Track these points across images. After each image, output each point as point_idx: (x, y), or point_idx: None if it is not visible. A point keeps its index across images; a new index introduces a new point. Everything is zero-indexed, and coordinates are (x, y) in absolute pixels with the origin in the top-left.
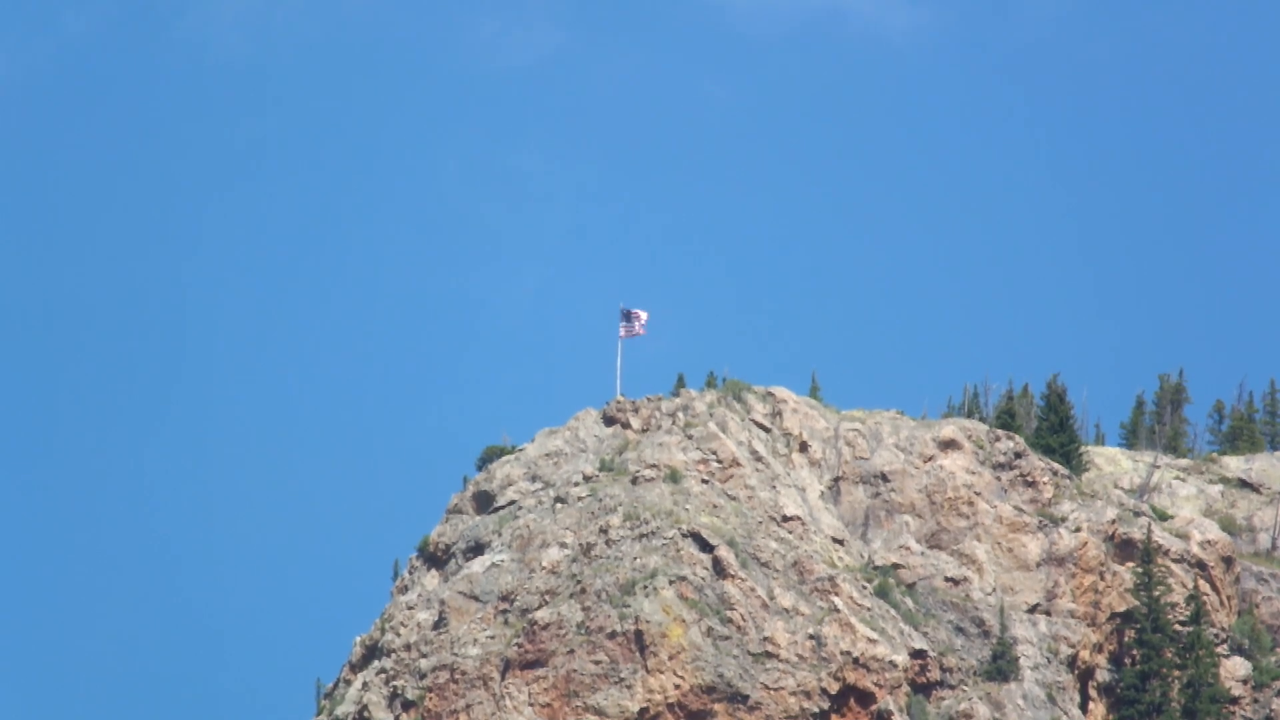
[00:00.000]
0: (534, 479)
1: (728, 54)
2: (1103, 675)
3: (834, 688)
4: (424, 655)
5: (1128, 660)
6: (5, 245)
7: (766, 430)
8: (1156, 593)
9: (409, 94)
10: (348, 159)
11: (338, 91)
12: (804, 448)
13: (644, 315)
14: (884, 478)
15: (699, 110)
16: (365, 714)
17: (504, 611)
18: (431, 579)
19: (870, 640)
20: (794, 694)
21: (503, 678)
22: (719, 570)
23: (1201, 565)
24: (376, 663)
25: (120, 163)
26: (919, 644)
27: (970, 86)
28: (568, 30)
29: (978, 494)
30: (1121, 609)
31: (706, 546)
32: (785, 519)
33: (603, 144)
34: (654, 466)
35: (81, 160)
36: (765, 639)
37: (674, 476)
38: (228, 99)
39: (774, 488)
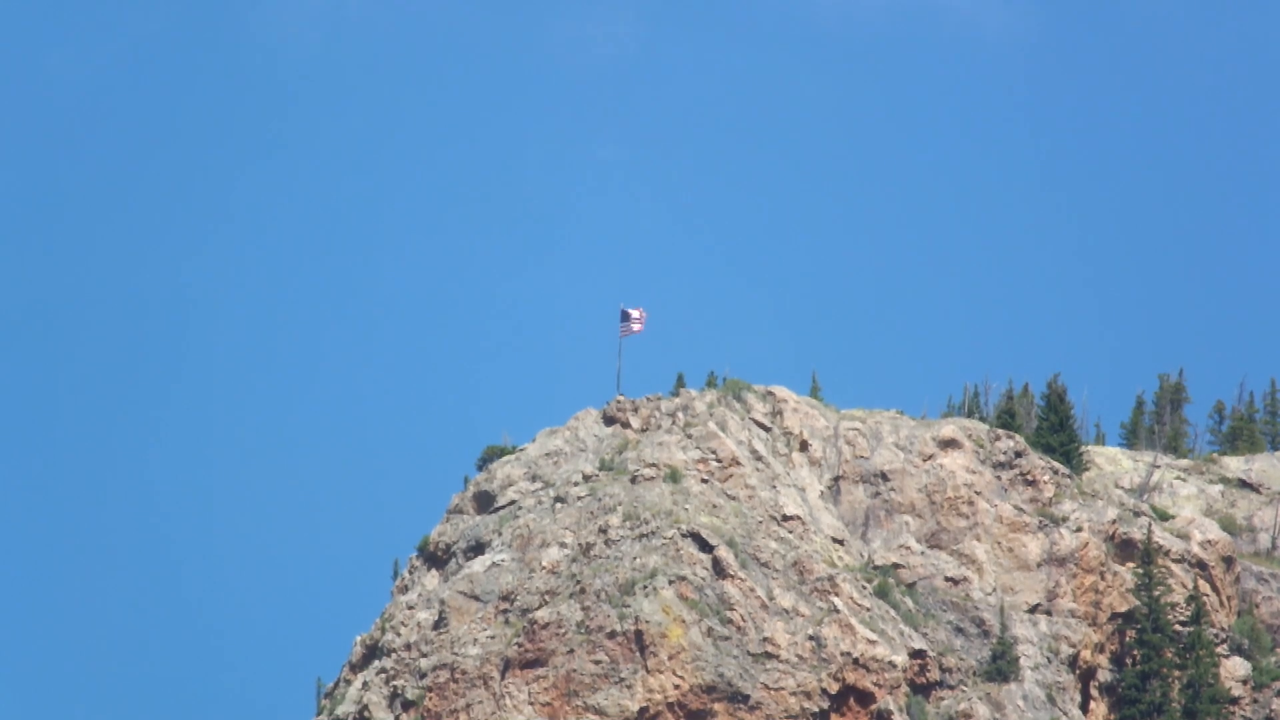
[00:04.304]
0: (534, 479)
1: (811, 52)
2: (1104, 675)
3: (834, 688)
4: (424, 655)
5: (1128, 660)
6: (61, 245)
7: (766, 430)
8: (1157, 593)
9: (486, 90)
10: (351, 160)
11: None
12: (804, 447)
13: (642, 314)
14: (884, 477)
15: (717, 107)
16: (365, 714)
17: (504, 611)
18: (432, 579)
19: (870, 641)
20: (794, 694)
21: (503, 677)
22: (719, 570)
23: (1202, 565)
24: (377, 662)
25: (182, 160)
26: (919, 644)
27: (1019, 87)
28: (651, 26)
29: (978, 493)
30: (1122, 609)
31: (706, 546)
32: (785, 519)
33: (627, 143)
34: (654, 466)
35: (146, 159)
36: (765, 639)
37: (674, 476)
38: (299, 94)
39: (774, 487)
